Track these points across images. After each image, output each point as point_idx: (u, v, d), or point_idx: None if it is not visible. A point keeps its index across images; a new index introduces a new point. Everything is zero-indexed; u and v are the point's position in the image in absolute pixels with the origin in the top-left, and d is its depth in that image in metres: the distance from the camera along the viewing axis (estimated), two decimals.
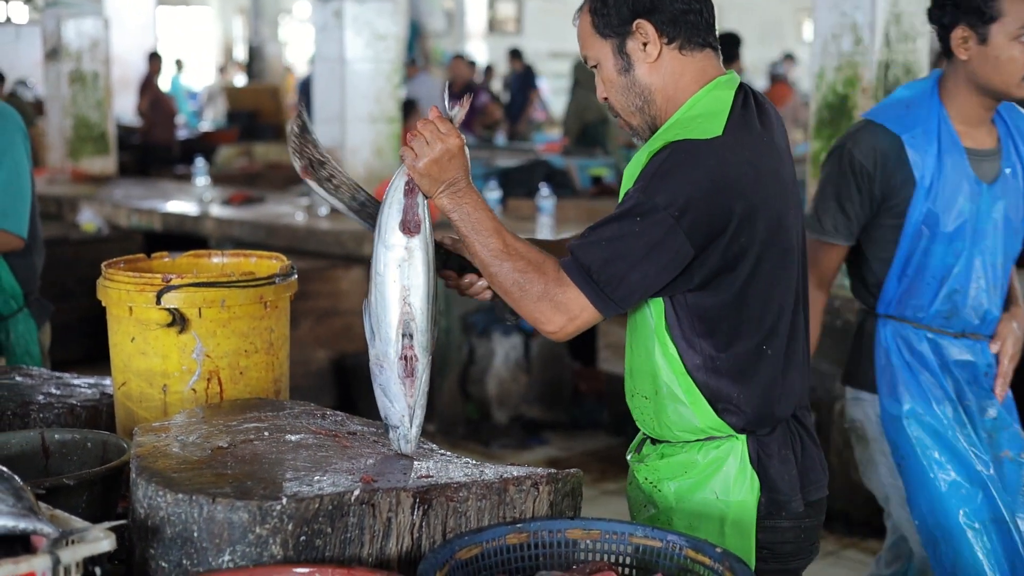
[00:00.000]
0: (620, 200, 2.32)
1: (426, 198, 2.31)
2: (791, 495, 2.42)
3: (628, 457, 2.59)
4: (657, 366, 2.40)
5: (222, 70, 24.16)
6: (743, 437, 2.40)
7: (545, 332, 2.30)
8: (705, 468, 2.40)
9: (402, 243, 2.27)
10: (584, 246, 2.27)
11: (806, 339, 2.50)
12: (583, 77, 11.37)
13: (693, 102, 2.37)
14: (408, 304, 2.26)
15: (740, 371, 2.37)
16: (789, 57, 17.34)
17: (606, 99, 2.46)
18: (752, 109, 2.38)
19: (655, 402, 2.44)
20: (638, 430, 2.58)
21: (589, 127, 10.98)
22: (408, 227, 2.28)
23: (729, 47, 9.67)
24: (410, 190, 2.31)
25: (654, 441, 2.51)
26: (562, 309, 2.27)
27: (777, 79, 13.61)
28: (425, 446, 2.33)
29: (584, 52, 2.45)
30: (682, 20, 2.36)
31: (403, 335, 2.26)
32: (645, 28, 2.35)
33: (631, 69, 2.38)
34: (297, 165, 2.43)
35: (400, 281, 2.27)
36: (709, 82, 2.39)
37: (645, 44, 2.36)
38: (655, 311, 2.38)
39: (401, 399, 2.27)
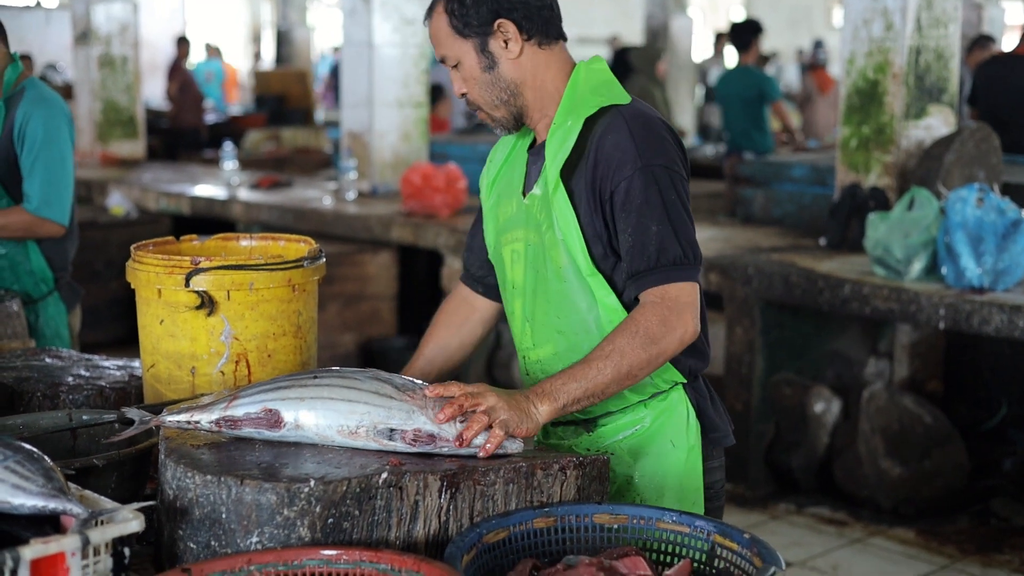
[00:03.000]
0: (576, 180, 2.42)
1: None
2: (725, 431, 2.58)
3: (548, 442, 2.60)
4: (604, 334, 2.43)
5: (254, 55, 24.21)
6: (681, 387, 2.50)
7: (692, 337, 2.36)
8: (656, 419, 2.49)
9: (278, 434, 2.12)
10: (652, 256, 2.35)
11: None
12: (639, 63, 10.93)
13: (575, 83, 2.49)
14: (350, 429, 2.11)
15: None
16: (819, 44, 17.21)
17: (464, 94, 2.51)
18: None
19: None
20: None
21: None
22: (270, 422, 2.13)
23: (744, 34, 9.61)
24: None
25: (583, 422, 2.54)
26: (683, 311, 2.34)
27: (816, 66, 13.48)
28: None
29: (441, 52, 2.49)
30: (538, 16, 2.47)
31: (385, 437, 2.10)
32: (507, 27, 2.44)
33: (495, 66, 2.46)
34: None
35: (317, 439, 2.13)
36: (570, 67, 2.53)
37: (507, 42, 2.45)
38: (595, 283, 2.43)
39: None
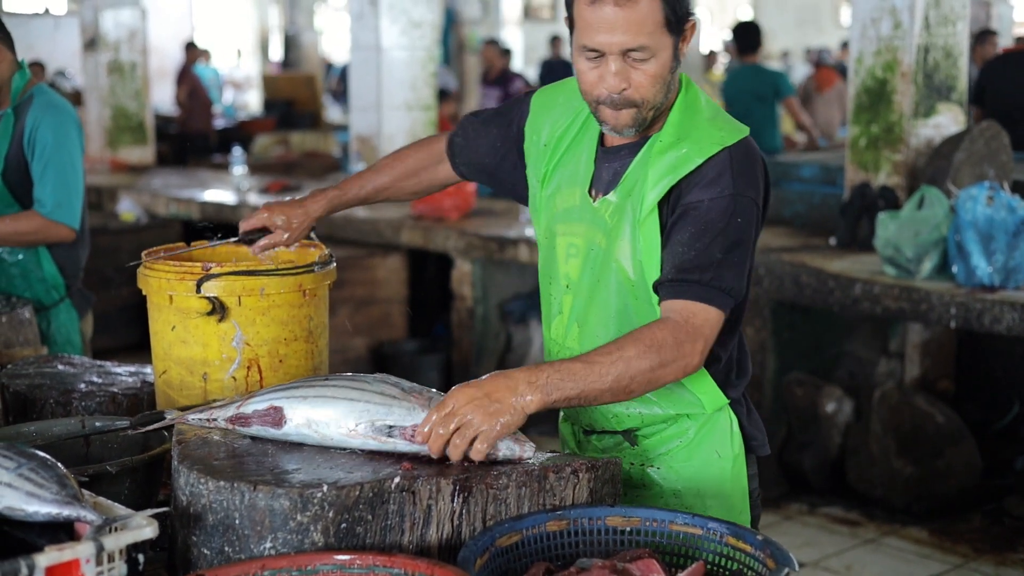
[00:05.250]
0: (673, 200, 2.28)
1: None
2: (761, 441, 2.51)
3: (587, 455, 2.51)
4: None
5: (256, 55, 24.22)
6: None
7: (693, 369, 2.24)
8: (700, 430, 2.43)
9: (281, 432, 2.14)
10: (707, 272, 2.23)
11: None
12: None
13: (688, 100, 2.35)
14: (349, 427, 2.11)
15: (731, 340, 2.44)
16: (824, 51, 17.28)
17: (625, 90, 2.26)
18: None
19: (654, 392, 2.37)
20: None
21: None
22: (274, 420, 2.16)
23: (751, 36, 9.60)
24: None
25: (624, 434, 2.48)
26: (696, 340, 2.21)
27: (822, 64, 13.56)
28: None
29: (639, 42, 2.21)
30: None
31: (384, 434, 2.10)
32: (694, 27, 2.30)
33: (677, 68, 2.30)
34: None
35: (318, 438, 2.13)
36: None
37: (685, 43, 2.29)
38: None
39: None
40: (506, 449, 2.10)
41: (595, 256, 2.39)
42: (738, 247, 2.26)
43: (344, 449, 2.12)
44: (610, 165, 2.39)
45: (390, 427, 2.09)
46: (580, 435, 2.56)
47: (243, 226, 2.70)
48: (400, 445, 2.09)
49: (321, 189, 2.75)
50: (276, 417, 2.13)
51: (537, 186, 2.52)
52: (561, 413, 2.61)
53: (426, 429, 2.05)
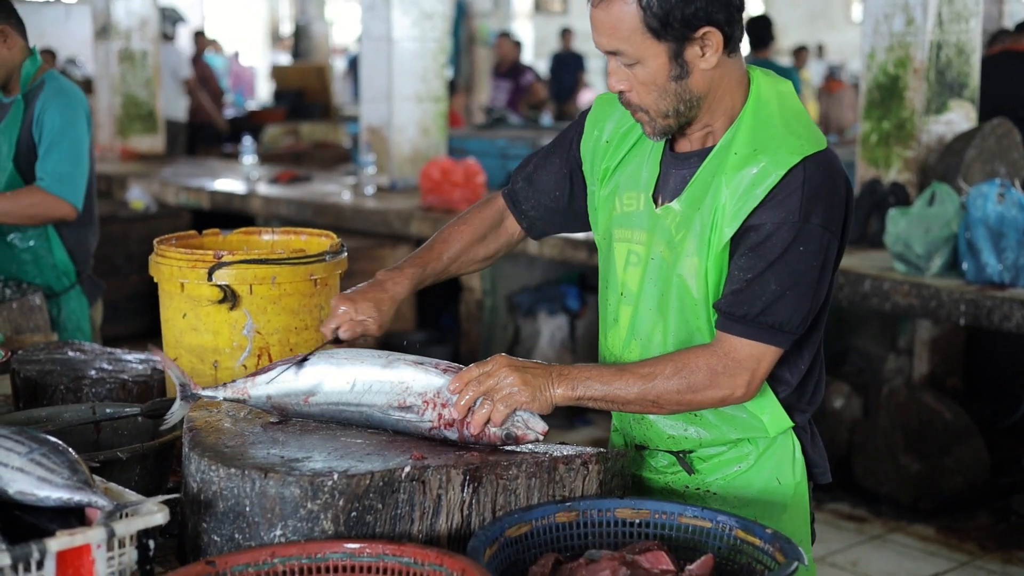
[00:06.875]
0: (744, 223, 2.17)
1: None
2: (824, 468, 2.45)
3: (641, 474, 2.46)
4: None
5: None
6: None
7: (736, 401, 2.23)
8: (761, 456, 2.36)
9: (304, 375, 2.25)
10: (757, 306, 2.15)
11: None
12: None
13: (760, 105, 2.23)
14: (382, 363, 2.22)
15: (802, 362, 2.33)
16: (837, 67, 17.34)
17: (622, 92, 2.21)
18: None
19: (713, 413, 2.33)
20: None
21: None
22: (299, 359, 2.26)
23: (763, 31, 9.56)
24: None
25: (679, 456, 2.40)
26: (737, 373, 2.18)
27: (832, 77, 13.66)
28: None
29: (615, 46, 2.15)
30: (738, 23, 2.17)
31: (416, 362, 2.22)
32: (714, 37, 2.13)
33: (686, 77, 2.16)
34: None
35: (345, 374, 2.23)
36: (744, 76, 2.25)
37: (705, 51, 2.14)
38: None
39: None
40: (522, 423, 2.12)
41: (658, 268, 2.29)
42: (799, 279, 2.15)
43: (364, 418, 2.19)
44: (678, 171, 2.29)
45: (420, 362, 2.20)
46: (632, 451, 2.48)
47: (329, 326, 2.37)
48: (433, 376, 2.17)
49: (396, 268, 2.51)
50: (301, 357, 2.23)
51: (596, 184, 2.42)
52: (612, 424, 2.57)
53: (459, 383, 2.15)
